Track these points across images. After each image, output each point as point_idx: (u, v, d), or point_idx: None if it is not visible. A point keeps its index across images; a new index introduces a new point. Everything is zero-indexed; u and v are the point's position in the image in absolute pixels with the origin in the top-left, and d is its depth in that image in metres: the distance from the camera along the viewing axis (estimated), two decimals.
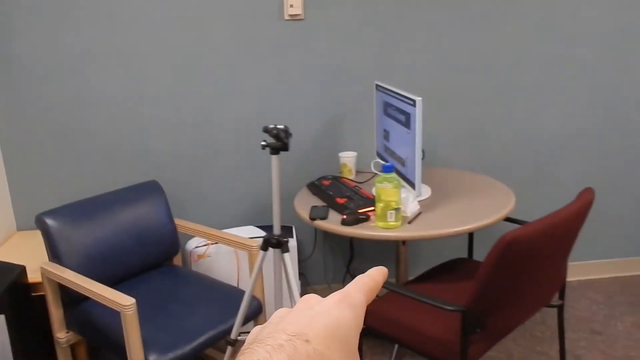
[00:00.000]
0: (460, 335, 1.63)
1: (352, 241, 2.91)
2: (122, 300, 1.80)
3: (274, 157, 1.39)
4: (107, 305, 1.85)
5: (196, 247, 2.60)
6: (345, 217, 2.11)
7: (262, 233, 2.66)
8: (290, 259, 2.61)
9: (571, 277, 3.13)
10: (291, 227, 2.74)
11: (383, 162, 2.02)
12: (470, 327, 1.63)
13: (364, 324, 1.84)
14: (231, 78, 2.66)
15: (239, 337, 1.59)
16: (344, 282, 2.96)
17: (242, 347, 0.43)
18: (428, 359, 1.77)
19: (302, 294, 2.80)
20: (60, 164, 2.66)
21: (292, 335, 0.41)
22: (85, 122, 2.63)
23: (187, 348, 1.92)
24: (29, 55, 2.52)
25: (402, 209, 2.15)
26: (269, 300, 2.48)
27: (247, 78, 2.67)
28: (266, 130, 1.28)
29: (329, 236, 2.90)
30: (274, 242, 1.46)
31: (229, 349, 1.60)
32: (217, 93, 2.67)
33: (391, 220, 2.03)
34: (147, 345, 1.87)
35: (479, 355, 1.71)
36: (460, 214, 2.12)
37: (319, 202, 2.36)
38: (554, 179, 2.97)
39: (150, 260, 2.37)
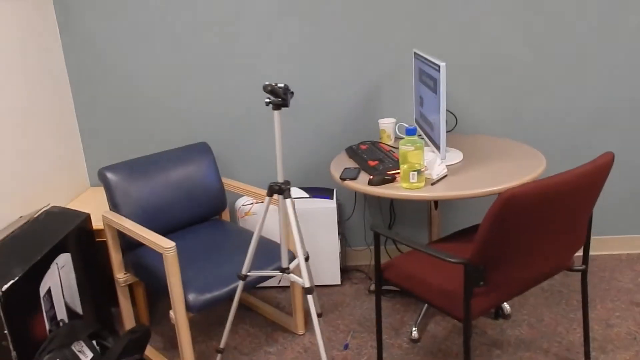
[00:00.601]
0: (464, 287, 1.73)
1: (392, 206, 3.02)
2: (164, 244, 2.03)
3: (275, 112, 1.53)
4: (154, 248, 2.10)
5: (243, 204, 2.81)
6: (372, 177, 2.23)
7: (304, 194, 2.83)
8: (329, 220, 2.77)
9: (619, 250, 3.08)
10: (332, 190, 2.89)
11: (407, 126, 2.11)
12: (473, 279, 1.72)
13: (385, 278, 1.98)
14: (274, 44, 2.82)
15: (249, 273, 1.79)
16: (385, 247, 3.08)
17: None
18: (438, 309, 1.87)
19: (342, 254, 2.96)
20: (126, 126, 2.95)
21: None
22: (148, 89, 2.89)
23: (222, 291, 2.14)
24: (101, 29, 2.81)
25: (428, 171, 2.25)
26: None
27: (288, 44, 2.81)
28: (264, 88, 1.42)
29: (369, 200, 3.02)
30: (277, 189, 1.62)
31: (240, 283, 1.81)
32: (260, 59, 2.84)
33: (413, 181, 2.13)
34: (187, 286, 2.11)
35: (484, 309, 1.79)
36: (488, 177, 2.18)
37: (353, 165, 2.49)
38: (590, 151, 2.91)
39: (199, 215, 2.61)
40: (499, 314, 2.61)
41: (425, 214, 3.03)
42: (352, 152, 2.61)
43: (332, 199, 2.80)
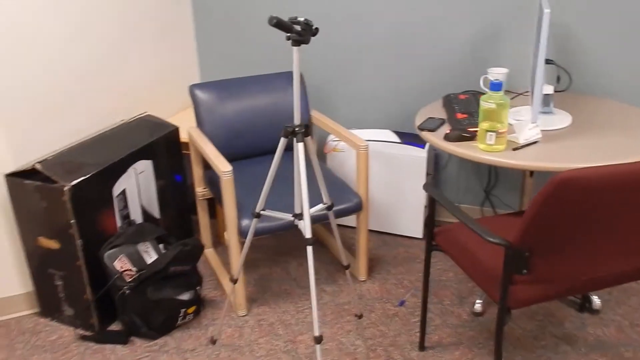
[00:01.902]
0: (502, 271, 1.52)
1: (491, 166, 2.73)
2: (222, 167, 2.06)
3: (294, 48, 1.41)
4: (214, 169, 2.15)
5: (331, 140, 2.75)
6: (448, 131, 2.02)
7: (396, 138, 2.67)
8: (417, 170, 2.59)
9: None
10: None
11: (492, 79, 1.84)
12: (514, 265, 1.50)
13: (434, 241, 1.81)
14: None
15: (262, 212, 1.77)
16: (482, 207, 2.83)
17: None
18: (479, 287, 1.68)
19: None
20: (240, 47, 2.99)
21: None
22: (265, 11, 2.88)
23: (273, 223, 2.13)
24: None
25: (515, 134, 1.97)
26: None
27: None
28: (269, 21, 1.29)
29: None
30: (290, 131, 1.53)
31: (255, 220, 1.78)
32: None
33: (490, 143, 1.88)
34: (242, 210, 2.14)
35: (525, 300, 1.56)
36: (593, 151, 1.85)
37: (443, 115, 2.27)
38: None
39: None
40: (585, 306, 2.29)
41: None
42: (448, 100, 2.38)
43: (424, 148, 2.60)
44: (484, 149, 1.91)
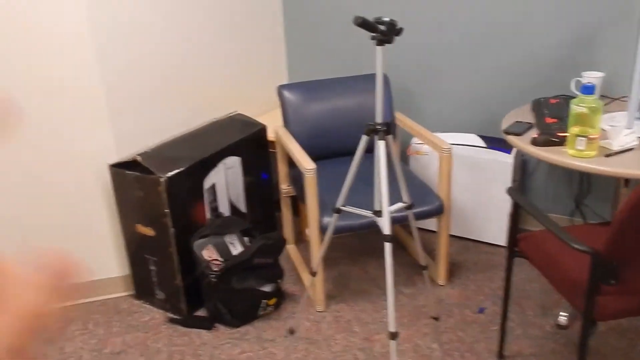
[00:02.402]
0: (588, 281, 1.46)
1: (583, 174, 2.62)
2: (306, 164, 2.13)
3: (378, 48, 1.43)
4: (298, 166, 2.22)
5: (416, 142, 2.74)
6: (536, 135, 1.97)
7: (482, 143, 2.63)
8: (503, 175, 2.55)
9: None
10: None
11: (585, 82, 1.78)
12: (601, 274, 1.44)
13: (517, 248, 1.77)
14: None
15: (342, 207, 1.80)
16: (571, 217, 2.72)
17: None
18: (564, 297, 1.63)
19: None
20: (328, 50, 3.06)
21: None
22: (349, 10, 2.93)
23: (355, 222, 2.17)
24: None
25: (608, 140, 1.89)
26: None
27: None
28: (355, 20, 1.31)
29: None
30: (372, 129, 1.55)
31: (335, 215, 1.82)
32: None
33: (580, 148, 1.82)
34: (323, 208, 2.20)
35: (613, 313, 1.50)
36: None
37: (531, 119, 2.21)
38: None
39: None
40: None
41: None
42: (537, 105, 2.31)
43: (510, 153, 2.54)
44: (573, 155, 1.84)
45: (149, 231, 2.27)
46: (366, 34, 2.91)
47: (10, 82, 2.10)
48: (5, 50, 2.05)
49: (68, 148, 2.24)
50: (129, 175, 2.21)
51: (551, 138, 1.93)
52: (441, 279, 2.48)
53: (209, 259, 2.23)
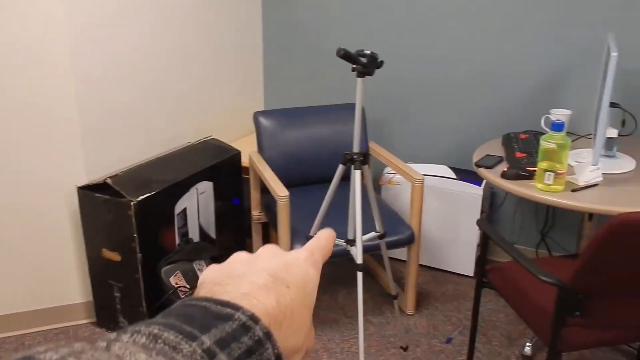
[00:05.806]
0: (554, 312, 1.49)
1: (549, 208, 2.69)
2: (279, 192, 2.13)
3: (358, 80, 1.46)
4: (272, 193, 2.21)
5: (387, 172, 2.78)
6: (506, 169, 2.01)
7: (453, 174, 2.68)
8: (472, 207, 2.59)
9: None
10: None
11: (554, 120, 1.84)
12: (566, 306, 1.47)
13: (485, 278, 1.80)
14: (444, 21, 2.65)
15: (310, 235, 1.80)
16: (537, 249, 2.78)
17: (204, 281, 0.40)
18: (530, 329, 1.65)
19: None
20: (297, 80, 3.09)
21: (274, 278, 0.39)
22: (333, 45, 2.98)
23: None
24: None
25: (574, 175, 1.94)
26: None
27: (453, 20, 2.62)
28: (337, 52, 1.35)
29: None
30: (349, 158, 1.57)
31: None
32: (432, 34, 2.70)
33: (548, 182, 1.86)
34: (295, 235, 2.19)
35: (577, 344, 1.52)
36: None
37: (502, 153, 2.27)
38: None
39: None
40: None
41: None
42: (507, 139, 2.37)
43: (481, 185, 2.59)
44: (541, 189, 1.89)
45: (115, 256, 2.22)
46: (345, 64, 2.95)
47: None
48: None
49: (35, 168, 2.19)
50: (98, 198, 2.16)
51: (520, 172, 1.98)
52: (410, 308, 2.49)
53: (177, 285, 2.19)
